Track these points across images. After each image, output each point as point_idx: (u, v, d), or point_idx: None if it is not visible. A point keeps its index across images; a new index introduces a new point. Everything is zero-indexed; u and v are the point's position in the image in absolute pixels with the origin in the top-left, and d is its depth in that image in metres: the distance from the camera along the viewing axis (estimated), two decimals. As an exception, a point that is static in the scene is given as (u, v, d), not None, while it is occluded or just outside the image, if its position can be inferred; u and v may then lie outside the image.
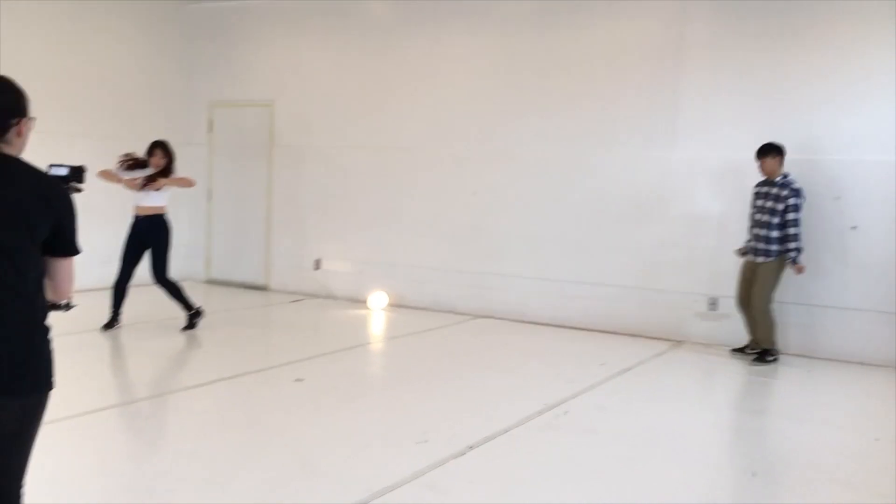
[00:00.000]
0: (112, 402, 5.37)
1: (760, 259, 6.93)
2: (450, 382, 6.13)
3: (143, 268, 7.38)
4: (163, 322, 7.68)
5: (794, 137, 7.19)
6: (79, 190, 2.75)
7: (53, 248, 2.32)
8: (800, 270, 6.86)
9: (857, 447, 4.92)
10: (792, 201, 6.77)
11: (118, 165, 7.35)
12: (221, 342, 7.32)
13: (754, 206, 7.04)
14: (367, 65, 9.56)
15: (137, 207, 7.35)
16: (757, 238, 6.96)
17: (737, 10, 7.55)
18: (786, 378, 6.66)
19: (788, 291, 7.13)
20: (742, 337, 7.24)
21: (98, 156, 7.39)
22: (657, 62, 7.93)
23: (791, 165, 6.99)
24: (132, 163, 7.38)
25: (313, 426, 4.90)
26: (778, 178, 6.87)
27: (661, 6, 7.90)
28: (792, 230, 6.78)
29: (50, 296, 2.36)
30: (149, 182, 7.26)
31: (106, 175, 7.16)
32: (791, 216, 6.78)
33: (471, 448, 4.51)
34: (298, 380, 5.92)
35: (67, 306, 2.48)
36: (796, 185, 6.82)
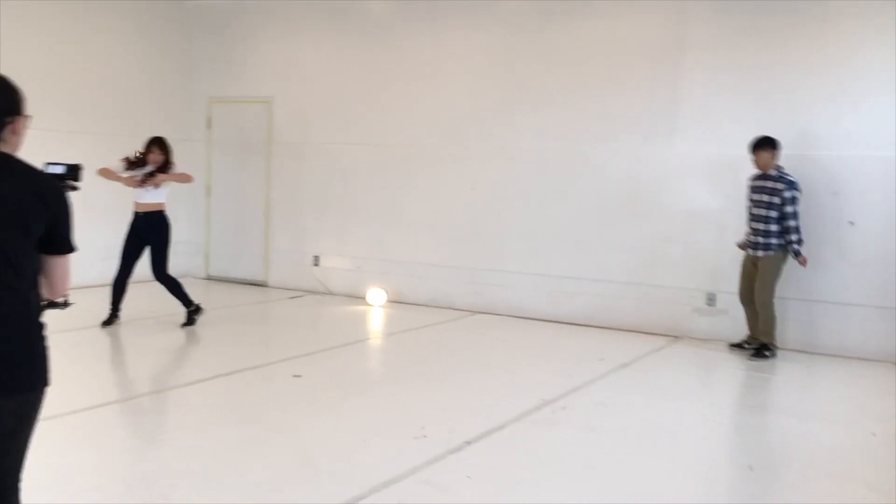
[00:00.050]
0: (111, 399, 5.37)
1: (761, 253, 6.93)
2: (448, 378, 6.14)
3: (143, 264, 7.39)
4: (162, 318, 7.69)
5: (792, 133, 7.19)
6: (75, 188, 2.76)
7: (49, 246, 2.32)
8: (803, 262, 6.86)
9: (855, 442, 4.93)
10: (788, 194, 6.77)
11: (120, 164, 7.35)
12: (220, 338, 7.33)
13: (750, 200, 7.04)
14: (366, 62, 9.56)
15: (137, 204, 7.36)
16: (756, 232, 6.96)
17: (735, 8, 7.54)
18: (784, 373, 6.67)
19: (787, 287, 7.14)
20: (740, 332, 7.26)
21: (97, 153, 7.41)
22: (656, 59, 7.93)
23: (789, 161, 6.99)
24: (132, 162, 7.38)
25: (311, 422, 4.91)
26: (772, 172, 6.88)
27: (661, 4, 7.89)
28: (791, 223, 6.79)
29: (46, 293, 2.37)
30: (147, 178, 7.27)
31: (106, 173, 7.16)
32: (789, 209, 6.78)
33: (469, 444, 4.52)
34: (297, 376, 5.93)
35: (65, 304, 2.49)
36: (791, 178, 6.82)
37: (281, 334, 8.08)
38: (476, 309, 8.85)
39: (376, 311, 8.97)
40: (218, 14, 10.59)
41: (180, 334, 7.30)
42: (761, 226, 6.90)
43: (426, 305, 9.08)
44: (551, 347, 7.41)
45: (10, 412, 2.26)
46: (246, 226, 10.56)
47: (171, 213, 7.48)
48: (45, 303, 2.38)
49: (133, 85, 10.09)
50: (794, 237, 6.80)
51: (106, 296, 7.37)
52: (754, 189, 7.00)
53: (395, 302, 9.20)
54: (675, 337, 7.78)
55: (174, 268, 7.56)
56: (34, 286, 2.31)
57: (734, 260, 7.26)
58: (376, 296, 9.21)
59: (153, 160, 7.34)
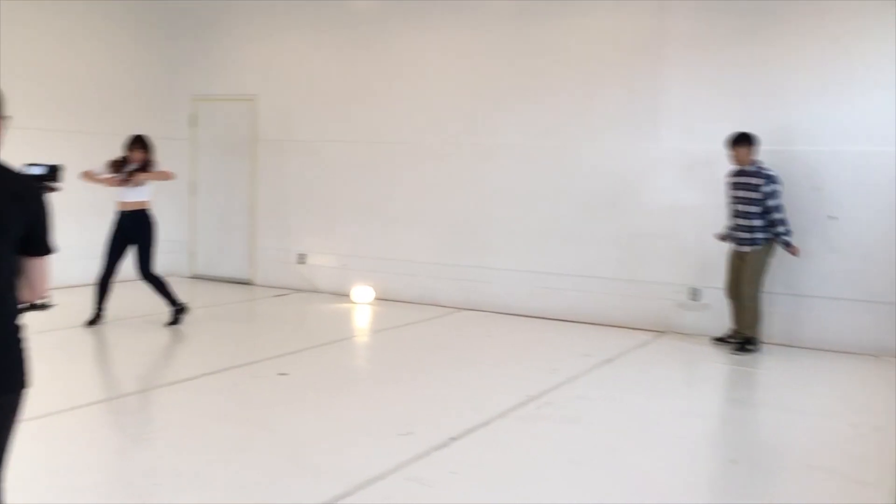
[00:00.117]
0: (97, 398, 5.35)
1: (747, 248, 6.97)
2: (433, 375, 6.16)
3: (128, 263, 7.37)
4: (147, 317, 7.66)
5: (773, 128, 7.25)
6: (55, 189, 2.76)
7: (28, 248, 2.31)
8: (795, 252, 6.91)
9: (837, 434, 4.98)
10: (768, 188, 6.81)
11: (103, 167, 7.31)
12: (206, 337, 7.32)
13: (730, 196, 7.09)
14: (350, 59, 9.55)
15: (121, 203, 7.33)
16: (740, 228, 7.00)
17: (716, 4, 7.59)
18: (767, 367, 6.72)
19: (769, 281, 7.18)
20: (724, 326, 7.30)
21: (81, 151, 7.39)
22: (638, 54, 7.97)
23: (771, 156, 7.04)
24: (116, 163, 7.34)
25: (297, 420, 4.92)
26: (750, 167, 6.93)
27: (642, 1, 7.92)
28: (776, 215, 6.83)
29: (26, 295, 2.35)
30: (129, 177, 7.24)
31: (88, 176, 7.18)
32: (772, 202, 6.82)
33: (454, 440, 4.54)
34: (283, 374, 5.93)
35: (44, 306, 2.48)
36: (770, 172, 6.86)
37: (267, 332, 8.07)
38: (462, 305, 8.87)
39: (362, 308, 8.97)
40: (201, 12, 10.54)
41: (165, 333, 7.28)
42: (745, 221, 6.94)
43: (412, 302, 9.09)
44: (536, 343, 7.44)
45: (-12, 414, 2.25)
46: (231, 224, 10.54)
47: (155, 212, 7.46)
48: (26, 305, 2.37)
49: (116, 83, 10.04)
50: (781, 229, 6.85)
51: (90, 295, 7.34)
52: (734, 185, 7.04)
53: (382, 299, 9.20)
54: (660, 332, 7.83)
55: (159, 266, 7.53)
56: (12, 288, 2.30)
57: (718, 254, 7.31)
58: (362, 293, 9.21)
59: (135, 158, 7.31)
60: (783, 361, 6.88)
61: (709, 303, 7.62)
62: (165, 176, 7.54)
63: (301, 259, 9.97)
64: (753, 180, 6.87)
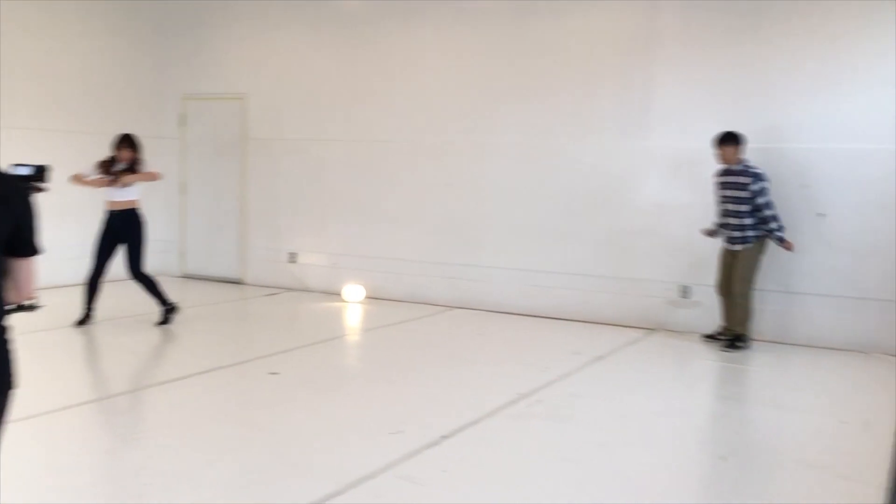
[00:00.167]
0: (87, 398, 5.34)
1: (739, 247, 6.98)
2: (424, 373, 6.16)
3: (117, 263, 7.34)
4: (137, 317, 7.64)
5: (763, 127, 7.28)
6: (41, 189, 2.74)
7: (14, 249, 2.29)
8: (789, 247, 6.92)
9: (826, 430, 5.01)
10: (756, 186, 6.83)
11: (92, 168, 7.28)
12: (197, 337, 7.30)
13: (719, 196, 7.11)
14: (340, 57, 9.53)
15: (110, 202, 7.30)
16: (730, 227, 7.02)
17: (706, 4, 7.61)
18: (757, 364, 6.74)
19: (760, 278, 7.20)
20: (714, 323, 7.32)
21: (70, 150, 7.35)
22: (630, 53, 7.98)
23: (760, 154, 7.07)
24: (105, 164, 7.31)
25: (288, 419, 4.91)
26: (737, 166, 6.94)
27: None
28: (767, 212, 6.85)
29: (13, 297, 2.34)
30: (117, 177, 7.22)
31: (77, 180, 7.17)
32: (761, 200, 6.84)
33: (445, 438, 4.54)
34: (273, 373, 5.92)
35: (31, 307, 2.46)
36: (757, 170, 6.88)
37: (258, 332, 8.05)
38: (453, 304, 8.87)
39: (353, 307, 8.97)
40: (190, 10, 10.50)
41: (156, 333, 7.26)
42: (735, 220, 6.96)
43: (403, 301, 9.09)
44: (527, 341, 7.45)
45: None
46: (221, 223, 10.51)
47: (145, 211, 7.43)
48: (13, 306, 2.36)
49: (106, 82, 9.99)
50: (773, 225, 6.87)
51: (79, 295, 7.31)
52: (722, 185, 7.06)
53: (373, 298, 9.19)
54: (651, 329, 7.84)
55: (149, 266, 7.50)
56: (-3, 289, 2.29)
57: (709, 252, 7.33)
58: (353, 292, 9.20)
59: (123, 157, 7.28)
60: (774, 358, 6.90)
61: (699, 300, 7.65)
62: (152, 177, 7.51)
63: (292, 258, 9.95)
64: (741, 179, 6.89)
